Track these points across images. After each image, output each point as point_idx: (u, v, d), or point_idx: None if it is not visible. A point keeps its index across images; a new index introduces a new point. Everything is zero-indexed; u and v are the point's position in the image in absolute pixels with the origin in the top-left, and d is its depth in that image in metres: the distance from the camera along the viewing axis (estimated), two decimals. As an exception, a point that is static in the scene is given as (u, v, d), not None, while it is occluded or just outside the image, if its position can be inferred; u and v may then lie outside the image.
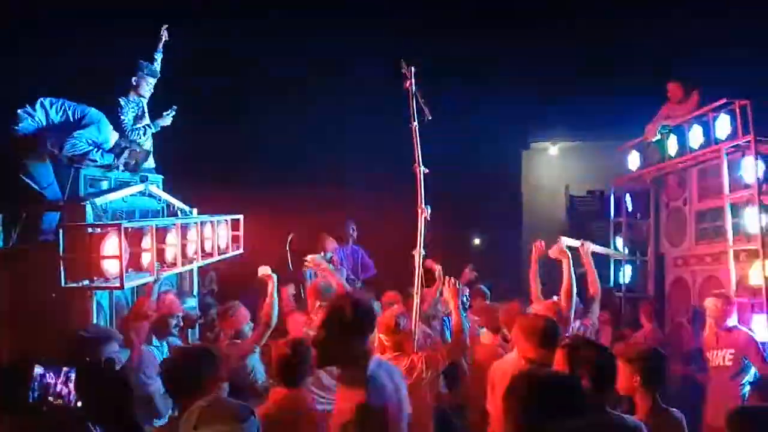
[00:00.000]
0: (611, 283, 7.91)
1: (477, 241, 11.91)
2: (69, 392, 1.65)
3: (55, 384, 1.66)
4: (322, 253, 7.57)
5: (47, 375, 1.67)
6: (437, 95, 5.03)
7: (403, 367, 4.08)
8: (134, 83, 5.47)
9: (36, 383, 1.67)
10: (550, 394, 2.23)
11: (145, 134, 5.49)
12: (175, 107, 5.69)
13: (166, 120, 5.65)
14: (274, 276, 4.83)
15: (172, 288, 5.35)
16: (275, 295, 4.75)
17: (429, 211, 4.72)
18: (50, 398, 1.67)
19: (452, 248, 6.80)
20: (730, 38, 8.84)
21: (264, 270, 4.88)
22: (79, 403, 1.63)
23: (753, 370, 4.97)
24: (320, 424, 3.24)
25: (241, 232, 6.22)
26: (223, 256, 5.85)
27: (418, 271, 4.73)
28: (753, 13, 8.59)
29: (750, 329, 5.29)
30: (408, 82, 4.64)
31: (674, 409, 3.26)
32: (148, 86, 5.53)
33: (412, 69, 4.68)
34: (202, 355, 3.04)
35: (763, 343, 5.14)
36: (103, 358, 3.04)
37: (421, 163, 4.69)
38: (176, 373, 2.88)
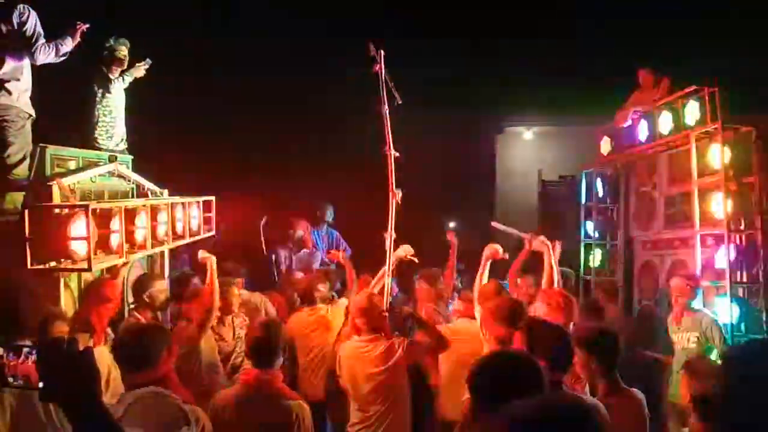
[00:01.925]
0: (581, 268, 8.03)
1: (451, 225, 11.96)
2: (30, 373, 1.62)
3: (16, 365, 1.62)
4: (292, 232, 7.57)
5: (8, 355, 1.63)
6: (411, 78, 5.01)
7: (381, 351, 4.12)
8: (107, 55, 5.41)
9: None
10: (519, 373, 2.26)
11: (111, 93, 5.43)
12: (149, 60, 5.60)
13: (140, 71, 5.57)
14: (213, 258, 4.78)
15: (143, 270, 5.30)
16: (215, 277, 4.69)
17: (400, 194, 4.73)
18: (10, 379, 1.63)
19: (425, 231, 6.80)
20: (700, 25, 8.95)
21: (202, 253, 4.84)
22: (41, 384, 1.59)
23: (715, 352, 5.10)
24: (290, 406, 3.25)
25: (213, 214, 6.15)
26: (194, 238, 5.78)
27: (389, 253, 4.75)
28: (723, 1, 8.72)
29: (713, 312, 5.42)
30: (377, 66, 4.59)
31: (634, 389, 3.33)
32: (123, 56, 5.48)
33: (382, 52, 4.63)
34: (154, 330, 3.08)
35: (725, 326, 5.28)
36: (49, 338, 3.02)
37: (392, 147, 4.68)
38: (127, 347, 2.89)
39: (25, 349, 1.62)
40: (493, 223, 6.16)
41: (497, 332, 3.61)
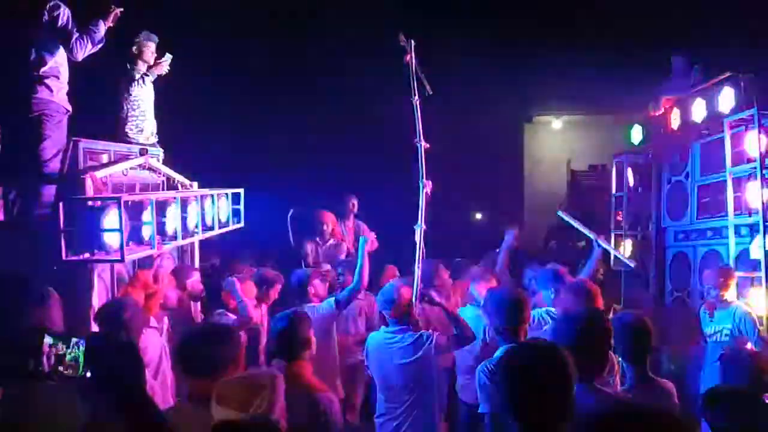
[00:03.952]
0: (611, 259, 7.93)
1: (478, 216, 11.90)
2: (78, 362, 1.68)
3: (65, 354, 1.68)
4: (325, 226, 7.60)
5: (57, 345, 1.69)
6: (440, 68, 4.98)
7: (409, 342, 4.11)
8: (135, 51, 5.47)
9: (46, 353, 1.70)
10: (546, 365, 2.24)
11: (142, 91, 5.49)
12: (169, 55, 5.63)
13: (162, 68, 5.61)
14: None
15: (174, 262, 5.40)
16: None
17: (431, 185, 4.71)
18: (60, 368, 1.70)
19: (453, 222, 6.79)
20: (735, 10, 8.71)
21: None
22: (89, 374, 1.65)
23: (749, 345, 5.00)
24: (318, 398, 3.26)
25: (241, 206, 6.22)
26: (223, 230, 5.85)
27: (420, 246, 4.73)
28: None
29: (748, 304, 5.31)
30: (408, 56, 4.56)
31: (664, 380, 3.29)
32: (151, 53, 5.53)
33: (412, 42, 4.59)
34: (226, 335, 2.96)
35: (760, 318, 5.16)
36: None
37: (422, 138, 4.66)
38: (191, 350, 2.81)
39: (74, 340, 1.67)
40: (560, 212, 6.07)
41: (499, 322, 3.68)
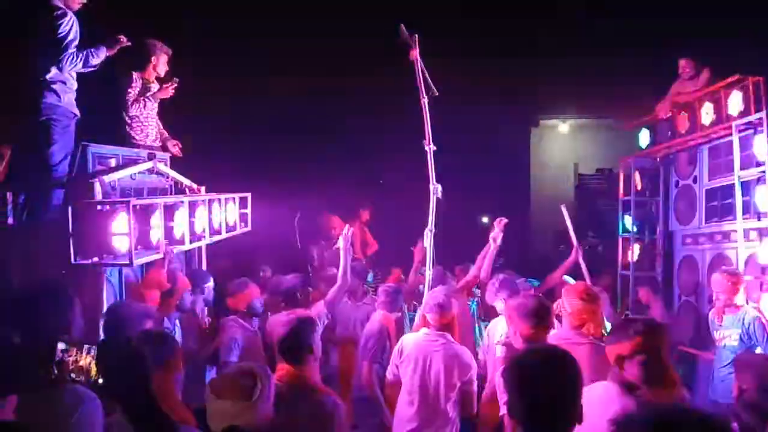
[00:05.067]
0: (619, 262, 7.90)
1: (485, 219, 11.89)
2: (90, 369, 1.69)
3: (77, 360, 1.69)
4: (334, 231, 7.60)
5: (70, 351, 1.70)
6: (447, 71, 4.94)
7: (452, 352, 4.05)
8: (153, 62, 5.50)
9: (59, 360, 1.70)
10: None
11: (145, 108, 5.51)
12: (176, 79, 5.65)
13: (169, 92, 5.62)
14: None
15: (182, 266, 5.41)
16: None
17: (440, 189, 4.65)
18: (72, 375, 1.70)
19: (459, 226, 6.79)
20: (743, 13, 8.68)
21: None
22: (101, 380, 1.66)
23: (759, 350, 4.97)
24: (324, 401, 3.26)
25: (249, 210, 6.23)
26: (231, 234, 5.87)
27: (430, 249, 4.70)
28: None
29: (758, 308, 5.27)
30: (413, 52, 4.42)
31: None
32: (163, 65, 5.56)
33: (416, 37, 4.44)
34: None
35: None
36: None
37: (430, 141, 4.58)
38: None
39: (86, 346, 1.68)
40: (563, 207, 6.05)
41: (523, 330, 3.52)
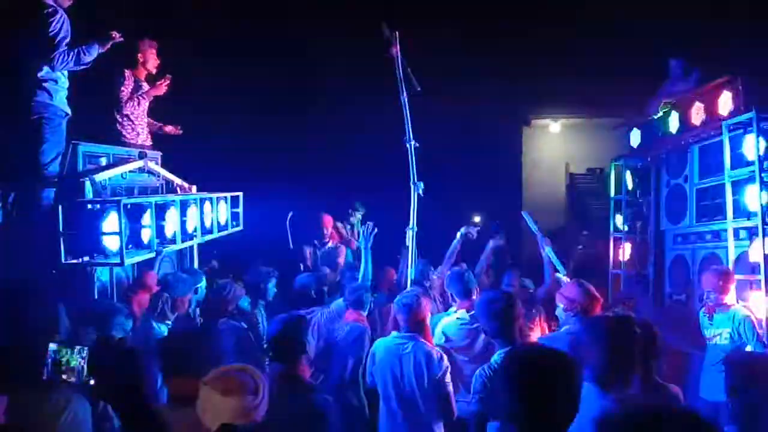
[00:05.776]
0: (610, 261, 7.93)
1: (476, 219, 11.91)
2: (82, 369, 1.68)
3: (68, 361, 1.68)
4: (326, 230, 7.59)
5: (61, 352, 1.69)
6: (438, 71, 4.93)
7: (421, 354, 3.97)
8: (140, 59, 5.48)
9: (50, 360, 1.69)
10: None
11: (139, 106, 5.49)
12: (169, 76, 5.62)
13: (162, 89, 5.60)
14: None
15: (173, 265, 5.39)
16: None
17: (422, 187, 4.61)
18: (64, 376, 1.69)
19: (450, 225, 6.78)
20: (733, 13, 8.74)
21: None
22: (92, 381, 1.65)
23: (749, 348, 5.00)
24: (314, 400, 3.24)
25: (240, 209, 6.22)
26: (222, 233, 5.85)
27: (411, 248, 4.67)
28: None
29: (747, 307, 5.31)
30: (394, 49, 4.37)
31: (671, 385, 3.28)
32: (154, 60, 5.55)
33: (397, 34, 4.38)
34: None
35: (759, 321, 5.16)
36: (112, 331, 3.08)
37: (411, 137, 4.53)
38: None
39: (77, 347, 1.67)
40: (525, 213, 6.07)
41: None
